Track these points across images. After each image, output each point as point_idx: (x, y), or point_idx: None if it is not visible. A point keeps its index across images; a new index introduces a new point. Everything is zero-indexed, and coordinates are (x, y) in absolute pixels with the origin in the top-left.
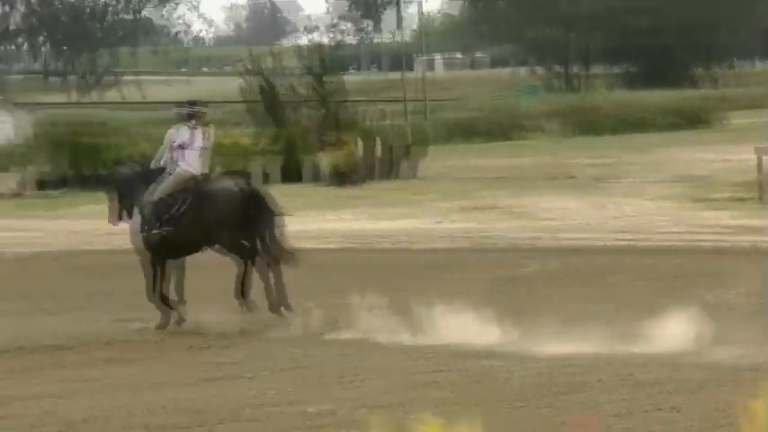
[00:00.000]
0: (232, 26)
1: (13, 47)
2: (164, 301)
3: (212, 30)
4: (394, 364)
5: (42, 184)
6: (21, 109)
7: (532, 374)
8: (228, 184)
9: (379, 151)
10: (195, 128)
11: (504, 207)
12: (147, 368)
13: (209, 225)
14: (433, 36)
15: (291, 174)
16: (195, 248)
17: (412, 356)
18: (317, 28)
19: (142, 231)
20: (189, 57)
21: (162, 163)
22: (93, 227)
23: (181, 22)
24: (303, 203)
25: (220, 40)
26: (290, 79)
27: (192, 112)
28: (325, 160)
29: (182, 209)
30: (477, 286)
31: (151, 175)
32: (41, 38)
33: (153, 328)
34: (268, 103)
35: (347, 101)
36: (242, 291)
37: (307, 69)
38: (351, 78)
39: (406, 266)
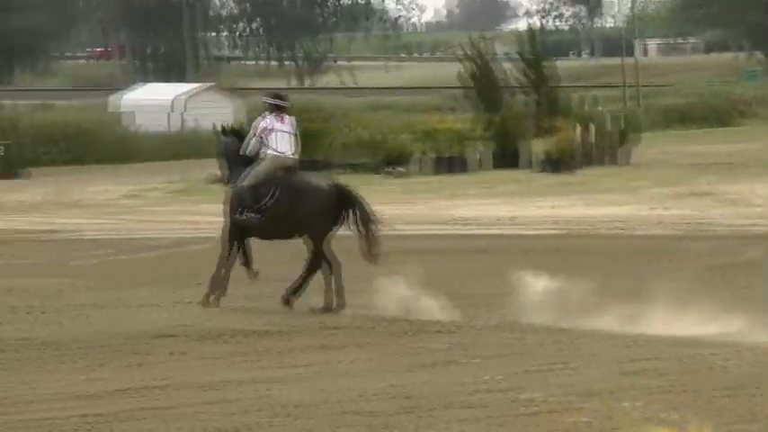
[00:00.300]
0: (447, 12)
1: (227, 33)
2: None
3: (428, 15)
4: (606, 352)
5: None
6: (238, 95)
7: (749, 363)
8: (318, 180)
9: (593, 137)
10: (278, 117)
11: (719, 193)
12: (358, 355)
13: (298, 218)
14: (648, 21)
15: (506, 159)
16: (281, 237)
17: (625, 344)
18: (536, 12)
19: (233, 212)
20: (404, 42)
21: (249, 152)
22: None
23: (399, 7)
24: (517, 189)
25: (439, 26)
26: (506, 65)
27: (276, 104)
28: (540, 146)
29: (271, 200)
30: (693, 273)
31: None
32: (256, 24)
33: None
34: (484, 89)
35: (562, 86)
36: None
37: (522, 55)
38: (566, 64)
39: (620, 253)
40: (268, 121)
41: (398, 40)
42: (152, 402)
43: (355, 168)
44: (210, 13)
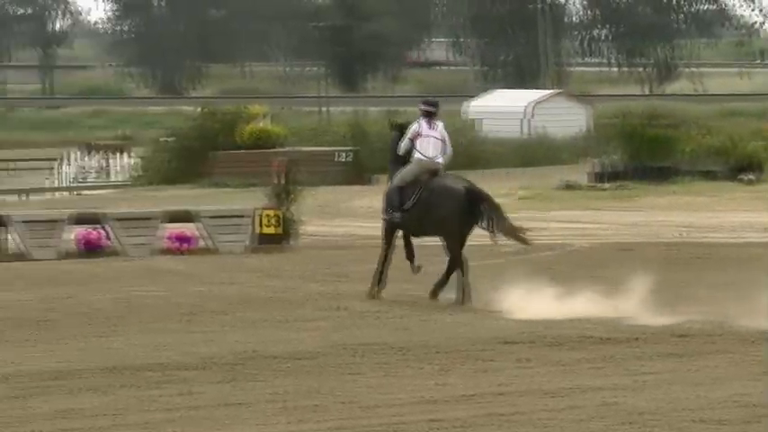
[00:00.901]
0: None
1: (579, 39)
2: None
3: None
4: None
5: (606, 176)
6: (587, 101)
7: None
8: (454, 182)
9: None
10: (429, 122)
11: None
12: (705, 362)
13: (433, 219)
14: None
15: None
16: (425, 235)
17: None
18: None
19: (383, 211)
20: (758, 48)
21: (402, 152)
22: (658, 219)
23: (756, 13)
24: None
25: None
26: None
27: (426, 110)
28: None
29: (414, 201)
30: None
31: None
32: (606, 30)
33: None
34: None
35: None
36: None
37: None
38: None
39: None
40: (420, 125)
41: (751, 47)
42: (497, 408)
43: (705, 175)
44: (565, 19)
